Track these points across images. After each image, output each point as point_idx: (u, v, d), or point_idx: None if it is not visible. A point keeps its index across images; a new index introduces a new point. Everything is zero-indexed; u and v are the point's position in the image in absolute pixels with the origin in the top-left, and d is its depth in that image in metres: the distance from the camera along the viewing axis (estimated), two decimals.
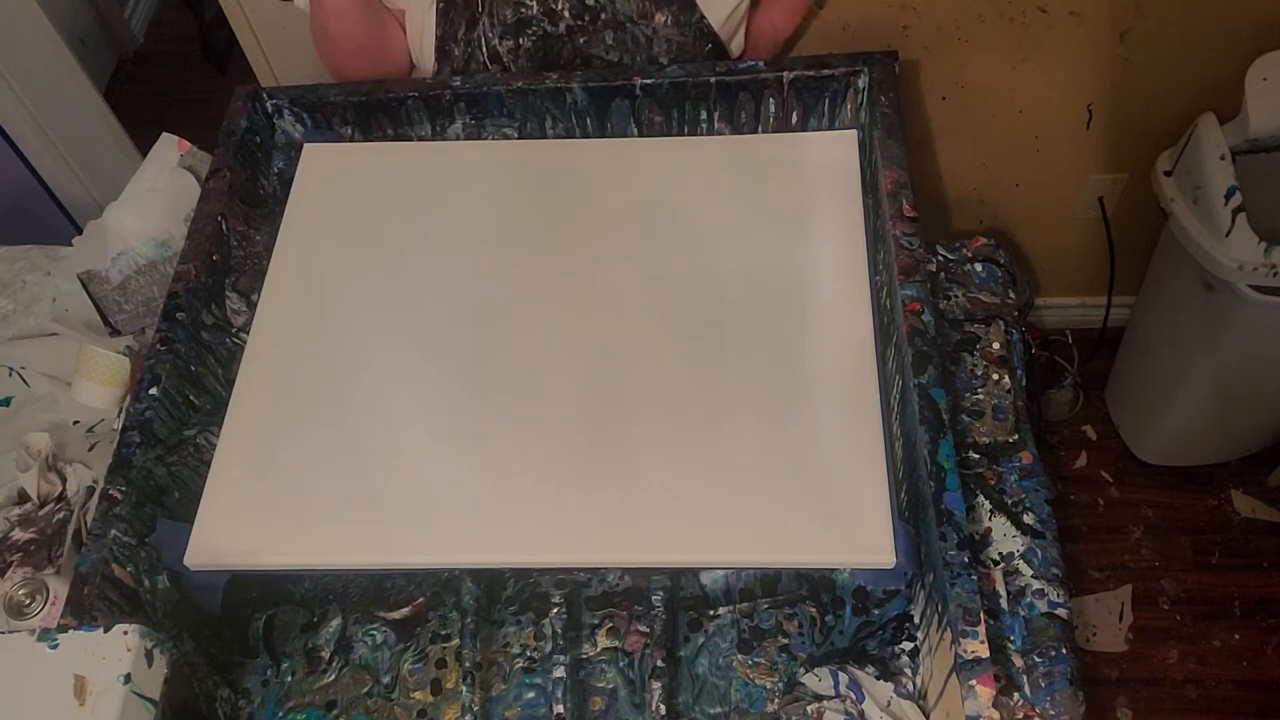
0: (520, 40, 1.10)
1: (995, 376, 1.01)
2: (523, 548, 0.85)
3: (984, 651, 0.71)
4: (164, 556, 0.87)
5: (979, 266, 1.09)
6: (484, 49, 1.11)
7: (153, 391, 0.91)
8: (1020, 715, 0.82)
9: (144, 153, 1.21)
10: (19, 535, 0.99)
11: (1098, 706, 1.59)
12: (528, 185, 1.07)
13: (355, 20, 1.10)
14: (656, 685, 0.84)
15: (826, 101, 1.08)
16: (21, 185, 1.85)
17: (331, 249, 1.04)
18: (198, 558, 0.86)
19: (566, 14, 1.08)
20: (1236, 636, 1.64)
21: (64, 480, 1.04)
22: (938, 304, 1.05)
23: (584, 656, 0.88)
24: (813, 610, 0.88)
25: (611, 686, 0.87)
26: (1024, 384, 1.02)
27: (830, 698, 0.82)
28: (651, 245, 1.01)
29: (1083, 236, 1.72)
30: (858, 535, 0.82)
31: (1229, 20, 1.35)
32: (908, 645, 0.86)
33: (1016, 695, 0.83)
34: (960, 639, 0.72)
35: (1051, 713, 0.82)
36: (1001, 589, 0.88)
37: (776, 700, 0.85)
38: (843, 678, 0.82)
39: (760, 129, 1.10)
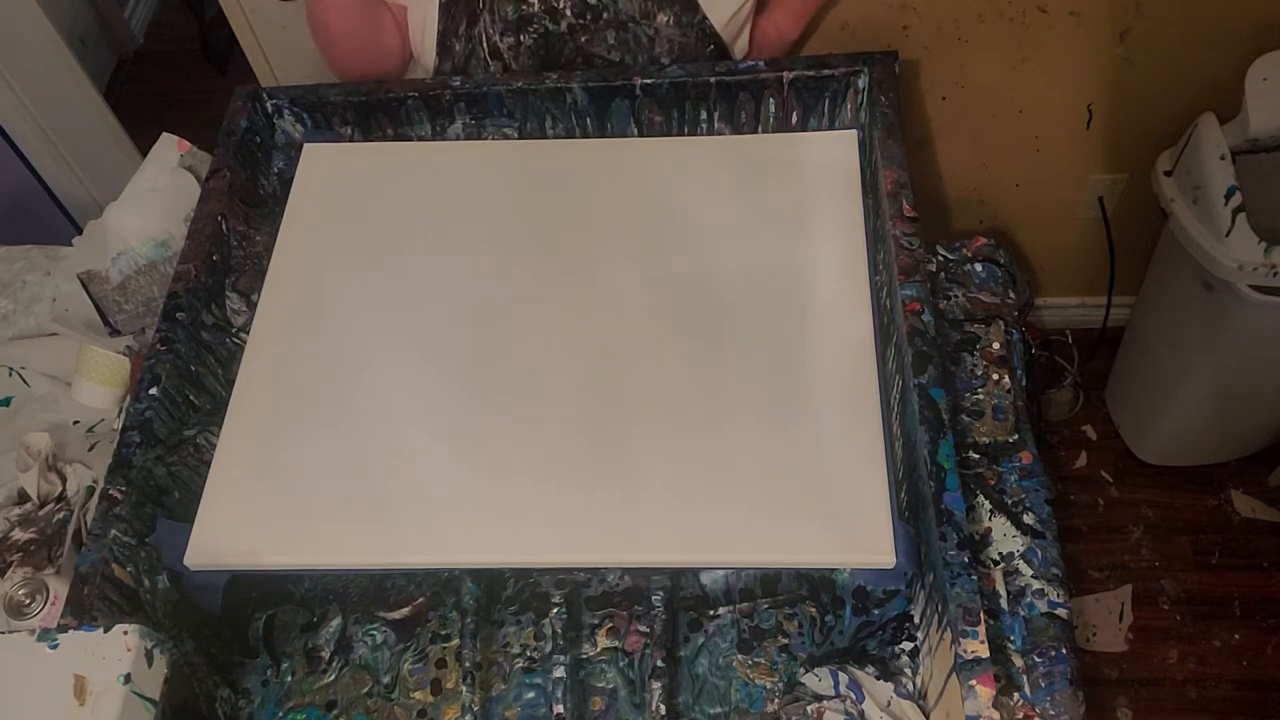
0: (521, 37, 1.10)
1: (995, 376, 1.01)
2: (523, 548, 0.85)
3: (984, 651, 0.71)
4: (164, 556, 0.87)
5: (979, 266, 1.09)
6: (485, 45, 1.11)
7: (153, 391, 0.91)
8: (1020, 715, 0.82)
9: (144, 153, 1.21)
10: (19, 535, 0.99)
11: (1098, 706, 1.59)
12: (528, 185, 1.07)
13: (354, 16, 1.10)
14: (656, 685, 0.84)
15: (826, 101, 1.08)
16: (21, 185, 1.85)
17: (331, 249, 1.04)
18: (198, 558, 0.86)
19: (568, 12, 1.08)
20: (1236, 636, 1.64)
21: (64, 480, 1.04)
22: (938, 304, 1.05)
23: (584, 656, 0.88)
24: (813, 610, 0.89)
25: (611, 686, 0.87)
26: (1024, 384, 1.02)
27: (830, 698, 0.82)
28: (651, 245, 1.01)
29: (1083, 236, 1.72)
30: (858, 535, 0.82)
31: (1229, 20, 1.35)
32: (908, 645, 0.86)
33: (1016, 695, 0.83)
34: (960, 639, 0.72)
35: (1051, 713, 0.82)
36: (1001, 589, 0.88)
37: (776, 700, 0.85)
38: (843, 678, 0.82)
39: (760, 129, 1.10)
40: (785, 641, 0.87)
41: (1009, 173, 1.63)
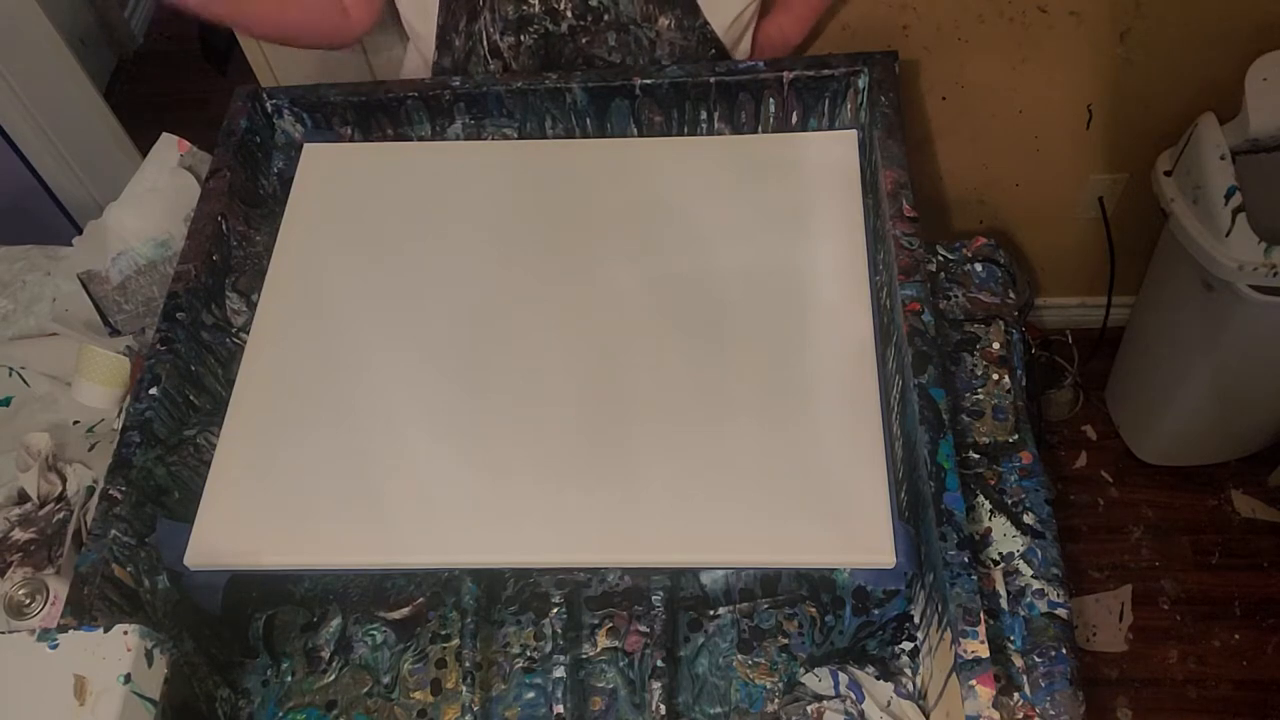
0: (521, 37, 1.10)
1: (995, 376, 1.01)
2: (523, 548, 0.85)
3: (984, 651, 0.71)
4: (164, 556, 0.87)
5: (979, 266, 1.09)
6: (485, 43, 1.11)
7: (153, 391, 0.91)
8: (1020, 715, 0.82)
9: (144, 153, 1.21)
10: (19, 535, 0.99)
11: (1098, 706, 1.59)
12: (528, 185, 1.07)
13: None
14: (656, 685, 0.84)
15: (826, 101, 1.08)
16: (21, 185, 1.85)
17: (331, 249, 1.04)
18: (198, 558, 0.86)
19: (569, 14, 1.08)
20: (1236, 636, 1.64)
21: (64, 480, 1.04)
22: (938, 304, 1.05)
23: (584, 656, 0.88)
24: (813, 610, 0.89)
25: (611, 686, 0.87)
26: (1024, 384, 1.02)
27: (830, 698, 0.82)
28: (651, 245, 1.01)
29: (1083, 236, 1.72)
30: (858, 535, 0.82)
31: (1229, 20, 1.35)
32: (908, 645, 0.86)
33: (1016, 695, 0.83)
34: (960, 639, 0.72)
35: (1051, 713, 0.82)
36: (1001, 589, 0.88)
37: (776, 700, 0.85)
38: (843, 678, 0.82)
39: (760, 129, 1.10)
40: (785, 641, 0.87)
41: (1009, 173, 1.63)
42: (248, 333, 0.99)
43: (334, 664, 0.90)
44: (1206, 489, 1.78)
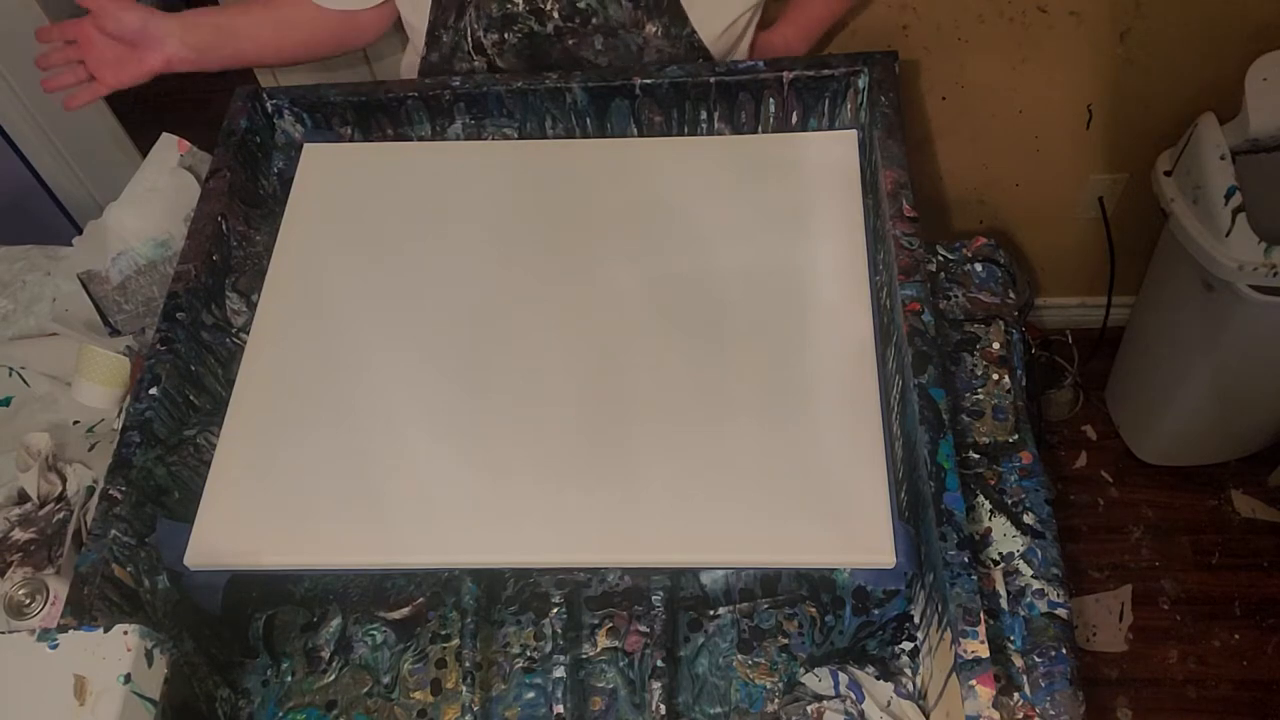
0: (505, 35, 1.09)
1: (995, 376, 1.01)
2: (523, 548, 0.85)
3: (984, 651, 0.71)
4: (164, 556, 0.87)
5: (979, 266, 1.08)
6: (469, 39, 1.11)
7: (153, 391, 0.91)
8: (1020, 715, 0.82)
9: (144, 153, 1.21)
10: (19, 535, 0.99)
11: (1098, 706, 1.59)
12: (528, 185, 1.07)
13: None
14: (656, 685, 0.84)
15: (826, 101, 1.08)
16: (21, 185, 1.84)
17: (331, 249, 1.04)
18: (198, 558, 0.86)
19: (556, 14, 1.08)
20: (1236, 636, 1.64)
21: (64, 480, 1.04)
22: (938, 304, 1.05)
23: (584, 656, 0.88)
24: (813, 610, 0.88)
25: (611, 686, 0.87)
26: (1024, 384, 1.02)
27: (830, 698, 0.82)
28: (651, 245, 1.01)
29: (1083, 236, 1.72)
30: (858, 535, 0.82)
31: (1229, 20, 1.35)
32: (908, 645, 0.86)
33: (1016, 695, 0.83)
34: (960, 639, 0.72)
35: (1051, 713, 0.82)
36: (1001, 589, 0.88)
37: (776, 700, 0.85)
38: (843, 678, 0.82)
39: (760, 129, 1.10)
40: (785, 641, 0.87)
41: (1009, 173, 1.63)
42: (248, 333, 0.99)
43: (334, 664, 0.90)
44: (1206, 489, 1.78)
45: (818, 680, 0.83)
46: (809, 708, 0.81)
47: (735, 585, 0.90)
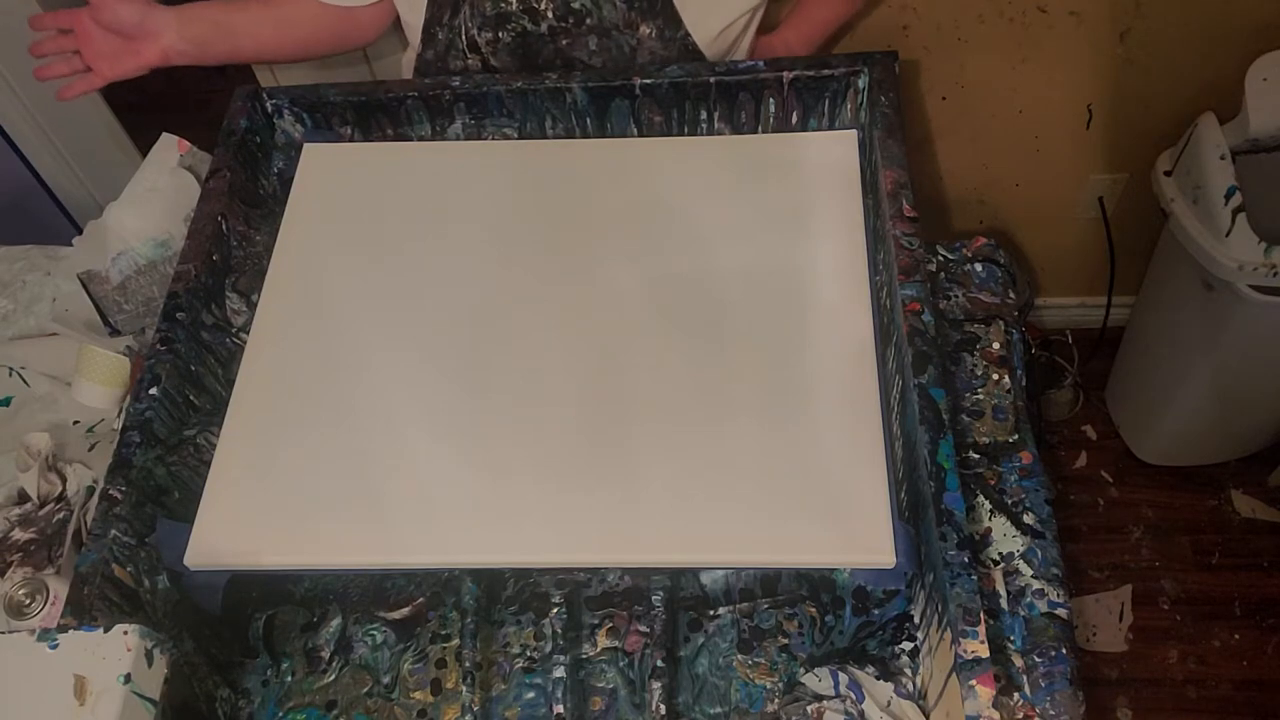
0: (499, 34, 1.09)
1: (995, 376, 1.01)
2: (523, 548, 0.85)
3: (984, 651, 0.71)
4: (164, 556, 0.87)
5: (979, 266, 1.08)
6: (463, 38, 1.10)
7: (153, 391, 0.91)
8: (1020, 715, 0.82)
9: (144, 153, 1.21)
10: (19, 535, 0.99)
11: (1098, 706, 1.59)
12: (528, 185, 1.07)
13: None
14: (656, 685, 0.84)
15: (826, 101, 1.08)
16: (21, 185, 1.84)
17: (331, 249, 1.04)
18: (198, 558, 0.86)
19: (550, 14, 1.08)
20: (1236, 636, 1.64)
21: (64, 480, 1.04)
22: (938, 304, 1.05)
23: (584, 656, 0.88)
24: (813, 610, 0.89)
25: (611, 686, 0.87)
26: (1024, 384, 1.02)
27: (830, 698, 0.82)
28: (651, 245, 1.01)
29: (1083, 236, 1.72)
30: (858, 535, 0.82)
31: (1229, 20, 1.35)
32: (908, 645, 0.86)
33: (1016, 695, 0.83)
34: (960, 639, 0.72)
35: (1051, 713, 0.82)
36: (1001, 589, 0.88)
37: (776, 700, 0.85)
38: (843, 678, 0.82)
39: (760, 129, 1.10)
40: (785, 641, 0.87)
41: (1009, 173, 1.63)
42: (248, 333, 0.99)
43: (334, 664, 0.90)
44: (1206, 489, 1.78)
45: (818, 680, 0.83)
46: (809, 708, 0.81)
47: (735, 585, 0.90)
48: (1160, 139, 1.49)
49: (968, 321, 1.05)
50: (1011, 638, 0.86)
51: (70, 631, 0.73)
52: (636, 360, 0.93)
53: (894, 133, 1.00)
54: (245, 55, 1.15)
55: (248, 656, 0.91)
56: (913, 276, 0.90)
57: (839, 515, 0.83)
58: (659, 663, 0.85)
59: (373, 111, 1.12)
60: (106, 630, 0.73)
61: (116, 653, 0.72)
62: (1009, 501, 0.93)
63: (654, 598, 0.88)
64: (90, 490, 1.03)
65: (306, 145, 1.12)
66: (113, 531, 0.83)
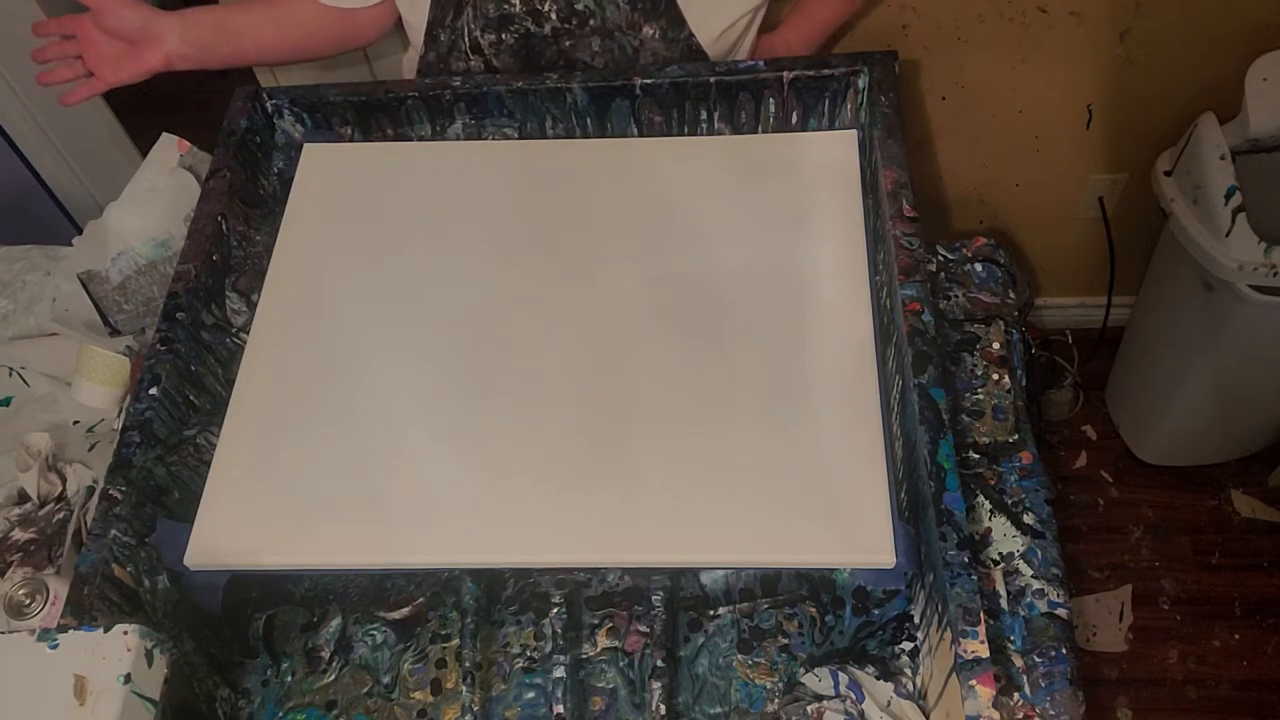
0: (502, 36, 1.09)
1: (995, 376, 1.01)
2: (523, 548, 0.85)
3: (984, 651, 0.71)
4: (164, 556, 0.87)
5: (979, 266, 1.09)
6: (466, 39, 1.10)
7: (153, 391, 0.91)
8: (1020, 715, 0.82)
9: (144, 153, 1.21)
10: (19, 535, 0.99)
11: (1098, 706, 1.59)
12: (528, 185, 1.07)
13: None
14: (656, 685, 0.84)
15: (826, 101, 1.08)
16: (21, 185, 1.84)
17: (331, 249, 1.04)
18: (198, 558, 0.86)
19: (553, 16, 1.08)
20: (1236, 636, 1.64)
21: (64, 480, 1.04)
22: (938, 304, 1.05)
23: (584, 656, 0.88)
24: (813, 610, 0.88)
25: (611, 686, 0.87)
26: (1024, 384, 1.02)
27: (830, 698, 0.82)
28: (651, 245, 1.01)
29: (1083, 236, 1.72)
30: (858, 535, 0.82)
31: (1229, 20, 1.35)
32: (908, 645, 0.86)
33: (1016, 695, 0.83)
34: (960, 639, 0.72)
35: (1051, 713, 0.82)
36: (1001, 589, 0.88)
37: (776, 700, 0.85)
38: (843, 678, 0.82)
39: (760, 129, 1.10)
40: (785, 641, 0.87)
41: (1009, 173, 1.63)
42: (248, 333, 0.99)
43: (334, 664, 0.90)
44: (1206, 489, 1.78)
45: (818, 680, 0.83)
46: (809, 708, 0.81)
47: (735, 585, 0.90)
48: (1160, 139, 1.49)
49: (968, 321, 1.05)
50: (1011, 638, 0.86)
51: (70, 631, 0.73)
52: (636, 360, 0.93)
53: (894, 133, 1.00)
54: (248, 58, 1.15)
55: (248, 656, 0.91)
56: (913, 276, 0.90)
57: (839, 515, 0.83)
58: (659, 663, 0.85)
59: (373, 111, 1.12)
60: (106, 630, 0.73)
61: (116, 653, 0.72)
62: (1009, 501, 0.93)
63: (654, 598, 0.88)
64: (90, 490, 1.03)
65: (306, 145, 1.12)
66: (113, 531, 0.83)
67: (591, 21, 1.08)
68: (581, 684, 0.87)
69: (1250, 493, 1.77)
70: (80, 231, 1.22)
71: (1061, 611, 0.87)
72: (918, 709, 0.81)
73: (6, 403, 1.14)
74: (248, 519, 0.87)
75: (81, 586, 0.80)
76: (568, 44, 1.10)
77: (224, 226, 1.04)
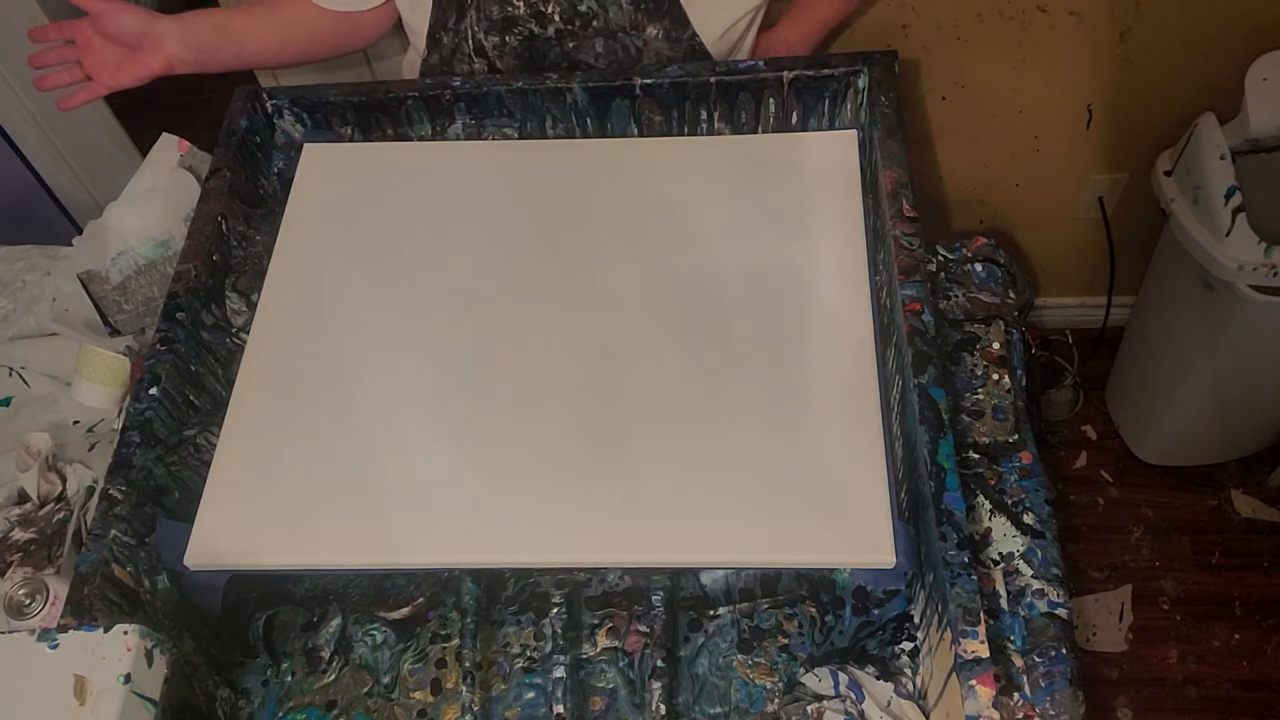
0: (506, 38, 1.09)
1: (995, 376, 1.01)
2: (523, 548, 0.85)
3: (984, 651, 0.71)
4: (164, 556, 0.87)
5: (979, 266, 1.09)
6: (470, 42, 1.10)
7: (153, 391, 0.91)
8: (1020, 715, 0.82)
9: (144, 153, 1.21)
10: (19, 535, 0.99)
11: (1098, 706, 1.59)
12: (528, 185, 1.07)
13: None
14: (656, 685, 0.84)
15: (826, 101, 1.08)
16: (21, 185, 1.84)
17: (331, 249, 1.04)
18: (198, 558, 0.86)
19: (557, 17, 1.08)
20: (1236, 636, 1.64)
21: (64, 480, 1.04)
22: (938, 304, 1.05)
23: (584, 656, 0.88)
24: (813, 610, 0.88)
25: (611, 686, 0.87)
26: (1024, 384, 1.02)
27: (830, 698, 0.82)
28: (651, 245, 1.01)
29: (1083, 236, 1.72)
30: (858, 535, 0.82)
31: (1229, 20, 1.35)
32: (908, 645, 0.86)
33: (1016, 695, 0.83)
34: (960, 639, 0.72)
35: (1051, 713, 0.82)
36: (1001, 589, 0.88)
37: (776, 700, 0.85)
38: (843, 678, 0.82)
39: (760, 129, 1.10)
40: (785, 641, 0.87)
41: (1009, 173, 1.63)
42: (248, 333, 0.99)
43: (334, 664, 0.90)
44: (1206, 489, 1.78)
45: (818, 680, 0.83)
46: (809, 708, 0.81)
47: (735, 585, 0.90)
48: (1160, 139, 1.49)
49: (968, 321, 1.05)
50: (1011, 638, 0.86)
51: (70, 631, 0.73)
52: (636, 360, 0.93)
53: (894, 133, 1.00)
54: (248, 61, 1.15)
55: (248, 656, 0.91)
56: (913, 276, 0.90)
57: (839, 515, 0.83)
58: (659, 663, 0.85)
59: (373, 111, 1.12)
60: (106, 630, 0.73)
61: (116, 653, 0.72)
62: (1009, 501, 0.93)
63: (654, 598, 0.88)
64: (90, 490, 1.03)
65: (306, 145, 1.12)
66: (113, 531, 0.83)
67: (595, 23, 1.08)
68: (581, 684, 0.87)
69: (1250, 493, 1.77)
70: (80, 231, 1.22)
71: (1061, 611, 0.87)
72: (918, 709, 0.81)
73: (6, 403, 1.14)
74: (248, 519, 0.87)
75: (81, 586, 0.80)
76: (571, 45, 1.10)
77: (224, 226, 1.04)
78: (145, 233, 1.15)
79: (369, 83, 1.12)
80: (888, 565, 0.81)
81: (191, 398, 0.96)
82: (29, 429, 1.08)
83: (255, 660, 0.90)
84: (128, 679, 0.71)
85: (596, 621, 0.89)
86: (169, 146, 1.19)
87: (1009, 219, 1.72)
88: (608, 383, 0.92)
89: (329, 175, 1.10)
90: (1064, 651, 0.85)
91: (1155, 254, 1.61)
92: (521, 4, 1.07)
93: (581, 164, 1.08)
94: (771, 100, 1.08)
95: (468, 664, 0.86)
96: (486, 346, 0.96)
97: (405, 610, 0.92)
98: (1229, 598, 1.67)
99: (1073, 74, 1.45)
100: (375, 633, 0.91)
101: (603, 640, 0.88)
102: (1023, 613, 0.87)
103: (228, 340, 1.02)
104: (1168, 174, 1.45)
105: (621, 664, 0.87)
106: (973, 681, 0.71)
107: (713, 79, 1.05)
